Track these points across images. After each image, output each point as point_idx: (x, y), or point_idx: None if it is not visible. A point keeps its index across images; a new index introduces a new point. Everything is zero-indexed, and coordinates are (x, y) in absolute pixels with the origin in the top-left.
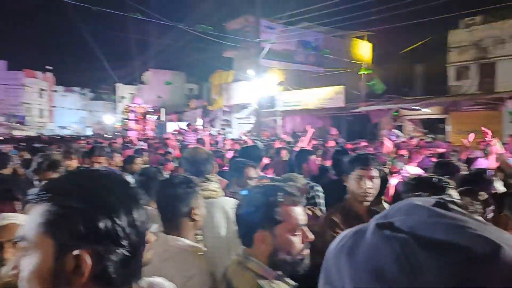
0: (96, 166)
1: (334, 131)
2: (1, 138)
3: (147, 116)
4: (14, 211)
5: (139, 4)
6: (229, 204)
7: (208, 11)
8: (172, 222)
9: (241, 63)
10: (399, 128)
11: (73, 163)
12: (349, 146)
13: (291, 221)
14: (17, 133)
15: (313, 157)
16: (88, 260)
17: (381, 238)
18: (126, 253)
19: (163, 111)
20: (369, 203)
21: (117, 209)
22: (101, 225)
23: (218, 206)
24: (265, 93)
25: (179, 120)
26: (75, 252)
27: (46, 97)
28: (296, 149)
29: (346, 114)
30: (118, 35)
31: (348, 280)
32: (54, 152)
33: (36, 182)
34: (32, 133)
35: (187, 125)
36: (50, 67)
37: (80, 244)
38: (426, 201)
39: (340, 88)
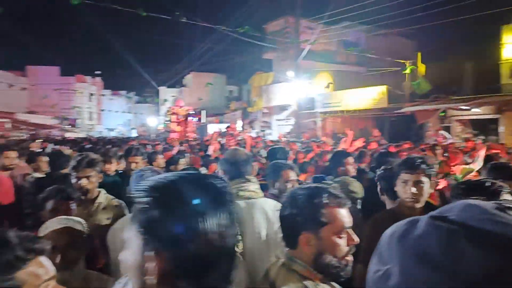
0: (133, 166)
1: (376, 132)
2: (58, 139)
3: (189, 118)
4: (69, 210)
5: (180, 8)
6: (269, 205)
7: (248, 13)
8: None
9: (280, 65)
10: (447, 129)
11: (112, 166)
12: (392, 148)
13: (337, 223)
14: (68, 135)
15: (349, 159)
16: (161, 262)
17: (431, 227)
18: (207, 259)
19: (203, 113)
20: (419, 208)
21: (205, 215)
22: (186, 228)
23: (258, 206)
24: (305, 95)
25: (220, 122)
26: (150, 253)
27: (95, 101)
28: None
29: (389, 115)
30: (162, 39)
31: (396, 261)
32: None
33: (74, 179)
34: (82, 135)
35: (226, 128)
36: (99, 72)
37: (160, 245)
38: (483, 203)
39: (383, 88)
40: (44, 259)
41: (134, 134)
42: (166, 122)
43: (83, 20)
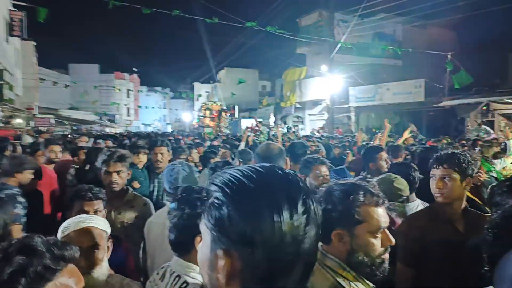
0: (159, 157)
1: (412, 127)
2: (98, 134)
3: (222, 113)
4: (95, 210)
5: (214, 4)
6: None
7: (281, 8)
8: None
9: (314, 59)
10: (490, 124)
11: (141, 158)
12: (430, 143)
13: (372, 222)
14: (108, 130)
15: (382, 154)
16: (231, 261)
17: None
18: (281, 262)
19: (236, 108)
20: (457, 205)
21: (282, 213)
22: (261, 228)
23: None
24: (338, 89)
25: (252, 117)
26: (220, 251)
27: (132, 97)
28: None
29: (426, 109)
30: (196, 36)
31: None
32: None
33: (104, 174)
34: (120, 130)
35: (256, 124)
36: (136, 69)
37: (230, 244)
38: None
39: (420, 81)
40: (74, 268)
41: (169, 129)
42: (200, 117)
43: (120, 19)
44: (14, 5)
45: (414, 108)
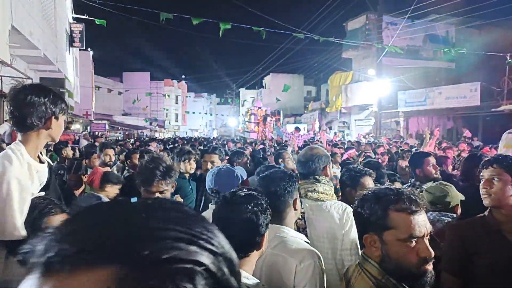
0: (209, 166)
1: (467, 133)
2: (147, 139)
3: (267, 118)
4: None
5: (261, 11)
6: (337, 208)
7: (328, 12)
8: (278, 212)
9: (360, 63)
10: None
11: (190, 167)
12: (487, 149)
13: (403, 229)
14: (157, 135)
15: (429, 160)
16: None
17: None
18: None
19: (281, 113)
20: (510, 212)
21: None
22: None
23: (323, 209)
24: (386, 93)
25: (297, 122)
26: None
27: (180, 103)
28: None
29: (483, 113)
30: (242, 43)
31: None
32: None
33: (143, 191)
34: (169, 135)
35: (295, 128)
36: (184, 76)
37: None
38: None
39: (475, 84)
40: None
41: (214, 134)
42: (245, 123)
43: (170, 29)
44: (74, 18)
45: (469, 113)
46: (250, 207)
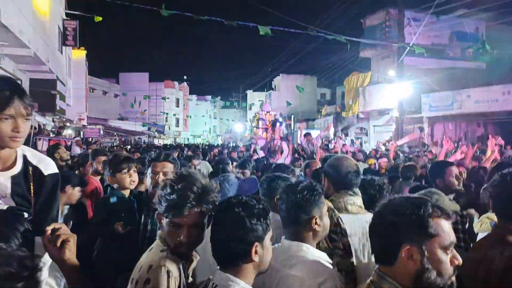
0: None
1: (500, 140)
2: (144, 145)
3: (276, 124)
4: None
5: (270, 6)
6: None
7: (344, 7)
8: (292, 229)
9: (380, 63)
10: None
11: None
12: None
13: (445, 236)
14: (156, 141)
15: (452, 169)
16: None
17: None
18: None
19: (292, 118)
20: None
21: None
22: None
23: (362, 222)
24: (409, 96)
25: (309, 127)
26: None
27: (182, 106)
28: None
29: None
30: (249, 41)
31: None
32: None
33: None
34: (169, 141)
35: (305, 135)
36: (186, 77)
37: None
38: None
39: (508, 87)
40: None
41: (219, 140)
42: (252, 129)
43: (170, 26)
44: (67, 14)
45: (501, 118)
46: (236, 211)
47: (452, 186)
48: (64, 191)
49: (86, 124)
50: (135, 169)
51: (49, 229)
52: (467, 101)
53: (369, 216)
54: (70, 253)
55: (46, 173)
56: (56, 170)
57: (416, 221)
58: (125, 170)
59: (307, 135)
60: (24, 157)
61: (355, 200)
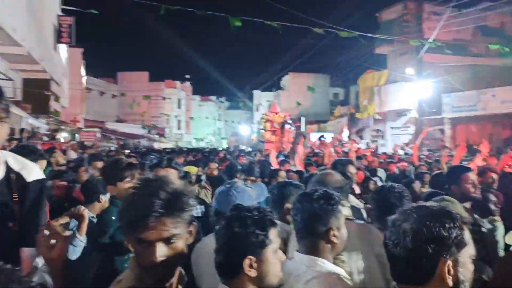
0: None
1: None
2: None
3: (286, 126)
4: None
5: (279, 1)
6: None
7: (358, 0)
8: (307, 241)
9: (397, 60)
10: None
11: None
12: None
13: (470, 244)
14: (156, 145)
15: (469, 176)
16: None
17: None
18: None
19: (303, 120)
20: None
21: None
22: None
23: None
24: (428, 96)
25: (320, 130)
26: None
27: (184, 108)
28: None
29: None
30: (256, 38)
31: None
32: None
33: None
34: (170, 145)
35: (319, 138)
36: (188, 76)
37: None
38: None
39: None
40: None
41: (224, 144)
42: (260, 131)
43: (172, 23)
44: (63, 10)
45: None
46: (228, 221)
47: (469, 194)
48: (99, 200)
49: (82, 127)
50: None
51: (43, 228)
52: (492, 101)
53: (355, 224)
54: (59, 252)
55: (29, 179)
56: (41, 176)
57: (455, 231)
58: (128, 179)
59: (321, 138)
60: (6, 163)
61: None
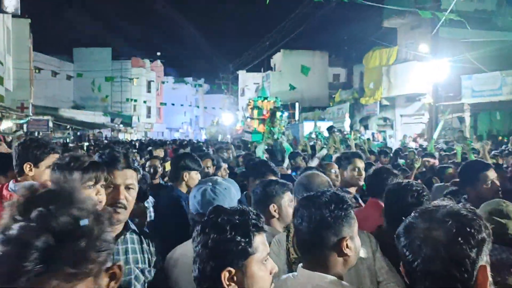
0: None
1: None
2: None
3: (276, 113)
4: None
5: None
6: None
7: None
8: (315, 254)
9: (408, 36)
10: None
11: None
12: None
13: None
14: (122, 136)
15: (487, 175)
16: None
17: None
18: None
19: (297, 106)
20: None
21: None
22: None
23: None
24: (445, 78)
25: (320, 118)
26: None
27: (154, 91)
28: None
29: None
30: (241, 7)
31: None
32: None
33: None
34: (138, 136)
35: (328, 129)
36: (159, 54)
37: None
38: None
39: None
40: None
41: (203, 135)
42: (245, 120)
43: None
44: None
45: None
46: (206, 227)
47: (487, 197)
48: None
49: (31, 114)
50: (104, 182)
51: None
52: None
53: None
54: None
55: None
56: None
57: (485, 236)
58: (91, 183)
59: (330, 129)
60: None
61: None
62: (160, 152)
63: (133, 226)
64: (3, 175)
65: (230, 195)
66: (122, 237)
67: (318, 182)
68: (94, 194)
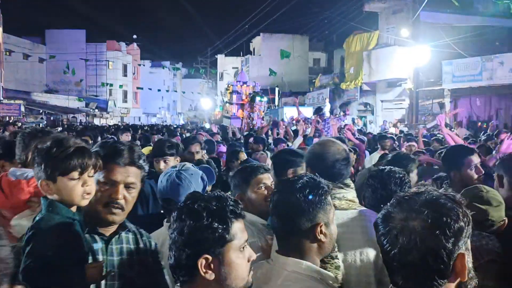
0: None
1: None
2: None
3: (256, 98)
4: None
5: None
6: (368, 218)
7: None
8: (289, 240)
9: (390, 20)
10: None
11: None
12: None
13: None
14: (97, 121)
15: (471, 159)
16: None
17: None
18: None
19: (277, 91)
20: None
21: None
22: None
23: (357, 221)
24: (426, 64)
25: (300, 104)
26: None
27: (131, 75)
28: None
29: None
30: None
31: None
32: None
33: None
34: (114, 121)
35: (318, 114)
36: (136, 36)
37: None
38: None
39: None
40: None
41: (181, 120)
42: (224, 104)
43: None
44: None
45: None
46: (182, 213)
47: (470, 182)
48: None
49: (2, 99)
50: (93, 172)
51: None
52: (500, 69)
53: (362, 211)
54: None
55: None
56: None
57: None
58: (76, 173)
59: (319, 110)
60: None
61: (346, 193)
62: (126, 137)
63: (129, 225)
64: (9, 161)
65: (197, 181)
66: (117, 236)
67: (333, 151)
68: (80, 186)
